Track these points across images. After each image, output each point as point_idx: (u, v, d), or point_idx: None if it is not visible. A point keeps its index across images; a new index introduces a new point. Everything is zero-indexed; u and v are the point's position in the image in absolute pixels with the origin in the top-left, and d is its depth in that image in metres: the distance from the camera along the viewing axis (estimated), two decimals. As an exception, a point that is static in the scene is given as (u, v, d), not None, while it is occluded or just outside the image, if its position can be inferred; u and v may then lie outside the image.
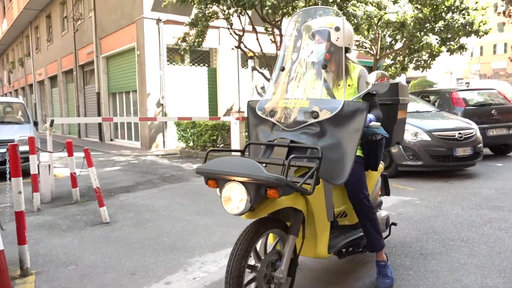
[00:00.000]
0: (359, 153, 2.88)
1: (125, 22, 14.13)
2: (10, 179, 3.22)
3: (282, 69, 2.85)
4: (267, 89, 2.94)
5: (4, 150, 7.75)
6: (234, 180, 2.17)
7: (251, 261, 2.40)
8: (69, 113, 21.21)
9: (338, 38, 2.76)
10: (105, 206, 4.82)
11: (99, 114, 16.64)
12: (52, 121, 6.09)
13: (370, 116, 2.66)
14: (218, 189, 2.30)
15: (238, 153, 2.76)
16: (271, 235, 2.71)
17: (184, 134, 12.01)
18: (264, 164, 2.54)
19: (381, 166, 3.42)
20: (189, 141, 11.88)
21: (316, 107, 2.53)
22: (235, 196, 2.18)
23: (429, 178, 6.75)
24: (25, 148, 5.54)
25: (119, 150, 13.41)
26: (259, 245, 2.53)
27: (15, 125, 8.75)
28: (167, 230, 4.39)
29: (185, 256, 3.60)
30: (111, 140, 16.71)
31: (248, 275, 2.42)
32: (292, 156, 2.23)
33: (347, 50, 2.83)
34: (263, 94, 2.91)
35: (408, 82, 26.62)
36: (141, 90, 13.39)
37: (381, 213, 3.36)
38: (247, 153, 2.86)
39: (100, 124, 16.74)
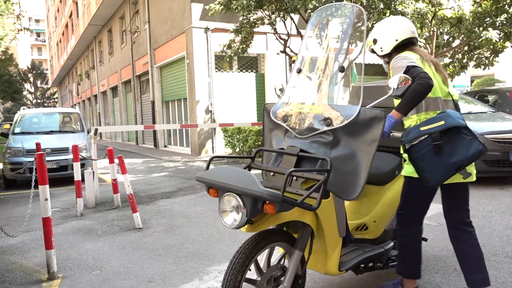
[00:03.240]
0: (408, 173, 2.56)
1: (176, 32, 14.62)
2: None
3: (299, 71, 2.69)
4: (284, 91, 2.78)
5: (61, 157, 8.41)
6: (231, 192, 2.08)
7: (253, 275, 2.30)
8: (128, 121, 22.32)
9: (381, 48, 2.67)
10: (138, 212, 4.95)
11: (153, 122, 17.33)
12: (96, 130, 6.38)
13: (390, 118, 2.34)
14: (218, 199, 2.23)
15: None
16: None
17: (230, 140, 12.15)
18: (272, 173, 2.44)
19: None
20: (235, 147, 11.99)
21: (330, 114, 2.33)
22: (233, 209, 2.10)
23: (482, 185, 6.21)
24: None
25: (171, 156, 13.84)
26: (263, 258, 2.43)
27: (70, 134, 9.34)
28: (194, 237, 4.41)
29: (205, 265, 3.57)
30: (165, 146, 17.32)
31: None
32: (291, 170, 2.06)
33: (406, 45, 2.62)
34: (281, 96, 2.76)
35: (472, 81, 24.97)
36: (191, 98, 13.75)
37: None
38: (259, 159, 2.77)
39: (155, 132, 17.44)
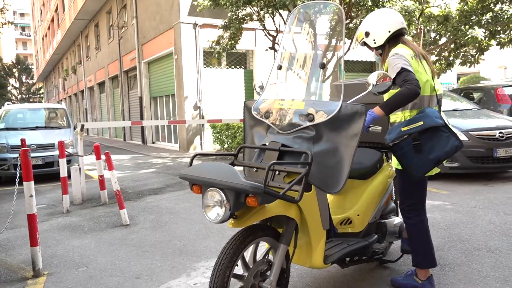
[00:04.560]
0: (396, 165, 2.75)
1: (164, 27, 14.50)
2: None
3: (279, 67, 2.72)
4: (264, 88, 2.80)
5: (47, 154, 8.30)
6: (214, 187, 2.09)
7: (239, 270, 2.31)
8: (115, 117, 22.11)
9: (374, 40, 2.73)
10: (126, 208, 4.92)
11: (141, 118, 17.20)
12: (82, 126, 6.31)
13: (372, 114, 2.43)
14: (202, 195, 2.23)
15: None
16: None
17: (219, 136, 12.13)
18: (255, 169, 2.45)
19: (393, 170, 3.20)
20: (224, 143, 11.97)
21: (312, 109, 2.37)
22: (216, 204, 2.11)
23: (466, 181, 6.32)
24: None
25: (159, 152, 13.76)
26: (249, 253, 2.44)
27: (56, 130, 9.22)
28: (182, 233, 4.40)
29: (192, 261, 3.57)
30: (153, 142, 17.21)
31: (236, 284, 2.34)
32: (272, 162, 2.08)
33: (398, 36, 2.70)
34: (261, 93, 2.78)
35: (458, 78, 25.29)
36: (179, 94, 13.67)
37: (394, 220, 3.17)
38: (242, 156, 2.77)
39: (142, 128, 17.31)
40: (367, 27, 2.75)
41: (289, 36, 2.85)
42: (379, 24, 2.70)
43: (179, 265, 3.48)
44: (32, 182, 3.39)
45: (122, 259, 3.69)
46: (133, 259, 3.68)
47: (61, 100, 37.76)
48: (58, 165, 5.97)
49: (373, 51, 2.80)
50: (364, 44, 2.81)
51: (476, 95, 8.98)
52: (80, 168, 6.22)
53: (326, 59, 2.71)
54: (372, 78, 2.44)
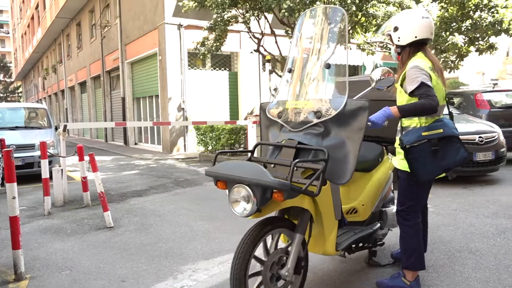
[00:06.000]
0: (404, 167, 2.74)
1: (148, 28, 14.39)
2: (3, 184, 3.26)
3: (290, 70, 2.88)
4: (278, 91, 2.98)
5: (27, 154, 8.13)
6: (242, 184, 2.24)
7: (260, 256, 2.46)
8: (97, 118, 21.79)
9: (399, 38, 2.74)
10: (109, 210, 4.86)
11: (124, 119, 16.99)
12: (65, 126, 6.21)
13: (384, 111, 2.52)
14: (227, 191, 2.37)
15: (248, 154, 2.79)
16: (282, 236, 2.77)
17: (203, 138, 12.08)
18: (272, 165, 2.58)
19: (394, 162, 3.28)
20: (208, 145, 11.94)
21: (320, 107, 2.55)
22: (243, 199, 2.27)
23: (447, 184, 6.45)
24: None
25: (142, 154, 13.62)
26: (269, 243, 2.57)
27: (37, 130, 9.04)
28: (167, 235, 4.37)
29: (178, 263, 3.55)
30: (136, 144, 17.02)
31: (256, 268, 2.47)
32: (297, 160, 2.24)
33: (419, 44, 2.70)
34: (276, 95, 2.96)
35: (438, 83, 25.82)
36: (163, 95, 13.58)
37: (393, 209, 3.33)
38: (258, 153, 2.89)
39: (125, 129, 17.11)
40: (398, 23, 2.74)
41: (296, 41, 3.00)
42: (410, 25, 2.70)
43: (165, 268, 3.46)
44: (15, 183, 3.33)
45: (106, 262, 3.65)
46: (118, 262, 3.64)
47: (40, 100, 36.99)
48: (39, 166, 5.86)
49: (393, 45, 2.81)
50: (388, 36, 2.83)
51: (456, 100, 9.18)
52: (62, 169, 6.11)
53: (331, 59, 2.84)
54: (376, 74, 2.67)
